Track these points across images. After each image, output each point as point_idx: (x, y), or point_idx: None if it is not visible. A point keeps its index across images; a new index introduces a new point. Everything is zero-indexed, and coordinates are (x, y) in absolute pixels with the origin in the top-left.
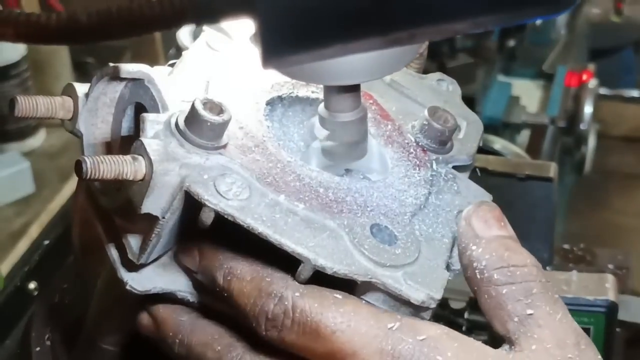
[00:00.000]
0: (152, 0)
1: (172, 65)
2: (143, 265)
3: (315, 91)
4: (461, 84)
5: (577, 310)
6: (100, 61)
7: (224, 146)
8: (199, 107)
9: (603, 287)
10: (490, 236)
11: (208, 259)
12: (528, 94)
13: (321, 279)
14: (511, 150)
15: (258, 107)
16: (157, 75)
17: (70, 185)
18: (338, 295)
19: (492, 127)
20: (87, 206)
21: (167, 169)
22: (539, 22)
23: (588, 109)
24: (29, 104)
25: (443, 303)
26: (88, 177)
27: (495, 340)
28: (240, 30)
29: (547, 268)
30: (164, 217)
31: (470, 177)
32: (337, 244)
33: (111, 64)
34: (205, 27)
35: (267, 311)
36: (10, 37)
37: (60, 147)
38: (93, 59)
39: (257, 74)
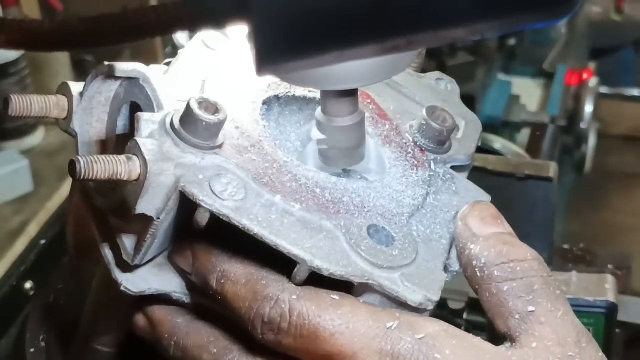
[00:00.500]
0: (146, 6)
1: (167, 63)
2: (138, 266)
3: (312, 90)
4: (461, 82)
5: (577, 311)
6: (99, 59)
7: (220, 146)
8: (195, 106)
9: (603, 288)
10: (488, 233)
11: (201, 260)
12: (528, 92)
13: (318, 280)
14: (511, 149)
15: (254, 106)
16: (153, 74)
17: (69, 184)
18: (335, 296)
19: (492, 126)
20: (82, 206)
21: (162, 169)
22: None
23: (588, 108)
24: (23, 103)
25: (442, 303)
26: (82, 177)
27: (495, 340)
28: (237, 29)
29: None
30: (158, 218)
31: (469, 177)
32: (334, 245)
33: (106, 63)
34: None
35: (263, 315)
36: (2, 44)
37: (58, 145)
38: (92, 57)
39: (254, 73)
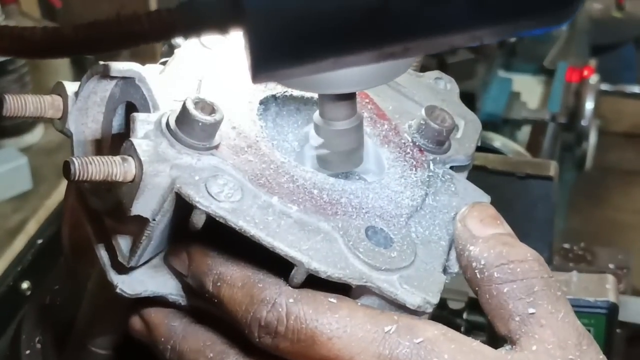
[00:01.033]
0: (140, 13)
1: (164, 63)
2: (133, 268)
3: None
4: (461, 80)
5: (578, 311)
6: (98, 57)
7: (216, 146)
8: (191, 106)
9: (603, 288)
10: (487, 234)
11: (197, 263)
12: (529, 89)
13: (315, 282)
14: (511, 148)
15: (251, 106)
16: (148, 73)
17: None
18: (333, 299)
19: (493, 123)
20: (77, 207)
21: (158, 170)
22: None
23: (589, 105)
24: (17, 103)
25: (441, 304)
26: (76, 178)
27: (494, 340)
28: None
29: None
30: (154, 219)
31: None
32: (332, 247)
33: (101, 62)
34: None
35: (260, 318)
36: None
37: (58, 143)
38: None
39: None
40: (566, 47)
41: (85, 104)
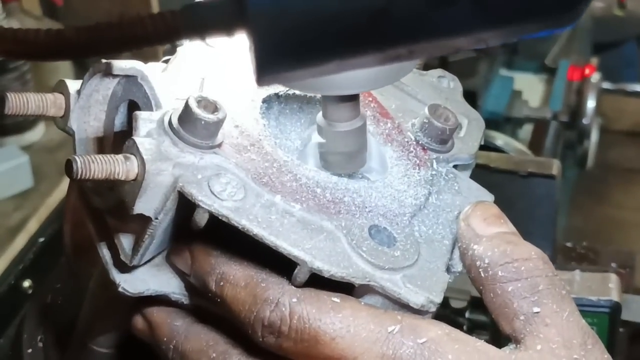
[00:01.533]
0: (143, 15)
1: (166, 61)
2: (136, 267)
3: None
4: (463, 78)
5: (581, 310)
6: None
7: (219, 145)
8: (193, 105)
9: (606, 287)
10: (491, 233)
11: (199, 262)
12: (530, 88)
13: (318, 281)
14: (513, 146)
15: (254, 104)
16: (151, 72)
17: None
18: (336, 298)
19: (494, 121)
20: (79, 206)
21: (160, 168)
22: None
23: (591, 103)
24: (19, 101)
25: (444, 302)
26: (78, 177)
27: (497, 339)
28: None
29: None
30: (157, 218)
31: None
32: (335, 246)
33: (103, 60)
34: None
35: (263, 318)
36: None
37: (59, 141)
38: None
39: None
40: (568, 45)
41: (87, 102)
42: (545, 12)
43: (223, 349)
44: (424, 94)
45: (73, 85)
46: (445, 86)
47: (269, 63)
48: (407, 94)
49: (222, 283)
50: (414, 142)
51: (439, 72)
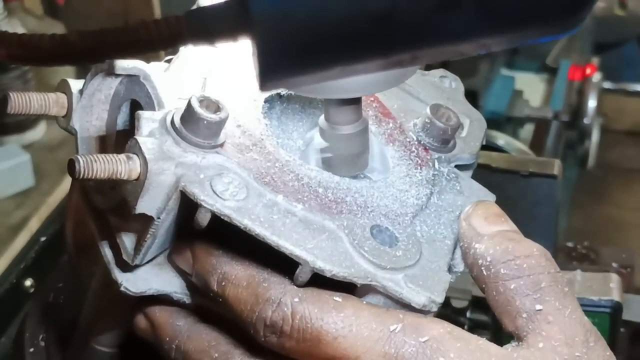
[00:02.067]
0: (147, 20)
1: (168, 61)
2: (138, 266)
3: None
4: (464, 77)
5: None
6: None
7: (221, 145)
8: (196, 104)
9: (607, 287)
10: (492, 232)
11: (201, 262)
12: (531, 87)
13: (320, 280)
14: (514, 146)
15: (256, 104)
16: (153, 71)
17: (70, 179)
18: (338, 298)
19: (495, 121)
20: (81, 205)
21: (163, 168)
22: None
23: (592, 103)
24: (21, 101)
25: (445, 302)
26: (81, 176)
27: (498, 338)
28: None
29: None
30: (159, 218)
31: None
32: (337, 245)
33: (106, 60)
34: None
35: (265, 318)
36: (2, 58)
37: (60, 140)
38: None
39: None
40: (569, 45)
41: (89, 102)
42: (548, 17)
43: (225, 349)
44: (426, 94)
45: (75, 84)
46: (447, 86)
47: (273, 69)
48: (409, 94)
49: (223, 283)
50: (416, 142)
51: (441, 72)
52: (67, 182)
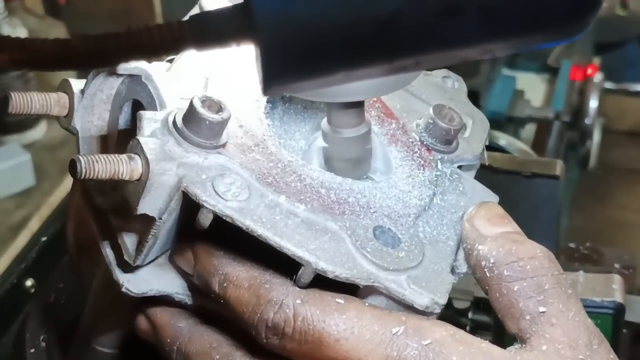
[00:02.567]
0: (150, 25)
1: (170, 61)
2: (139, 267)
3: None
4: (465, 77)
5: None
6: None
7: (223, 145)
8: (198, 104)
9: (610, 289)
10: (495, 233)
11: (203, 263)
12: (532, 87)
13: (322, 281)
14: (516, 146)
15: (258, 104)
16: (155, 71)
17: (71, 179)
18: (340, 300)
19: (496, 121)
20: (83, 205)
21: (164, 168)
22: None
23: (593, 103)
24: (23, 101)
25: (447, 303)
26: (82, 176)
27: (501, 340)
28: None
29: None
30: (160, 218)
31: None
32: (339, 246)
33: (109, 65)
34: None
35: (267, 319)
36: (4, 63)
37: (61, 139)
38: None
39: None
40: (570, 45)
41: (91, 102)
42: (552, 23)
43: (227, 351)
44: (429, 94)
45: (77, 84)
46: (449, 86)
47: (276, 74)
48: (411, 94)
49: (225, 284)
50: (419, 143)
51: (443, 72)
52: (68, 181)
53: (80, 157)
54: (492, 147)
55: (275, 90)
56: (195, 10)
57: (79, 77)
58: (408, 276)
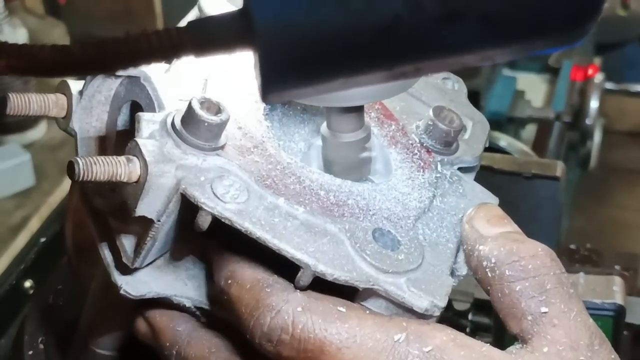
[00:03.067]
0: (149, 31)
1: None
2: (138, 269)
3: None
4: (465, 78)
5: None
6: None
7: (222, 147)
8: (196, 106)
9: (611, 290)
10: (495, 233)
11: (215, 258)
12: (533, 88)
13: (321, 283)
14: (517, 147)
15: (258, 106)
16: (154, 72)
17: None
18: (342, 308)
19: (497, 121)
20: (81, 207)
21: (163, 170)
22: None
23: (594, 104)
24: (21, 102)
25: (447, 305)
26: (81, 178)
27: (501, 341)
28: None
29: None
30: (159, 220)
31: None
32: (338, 249)
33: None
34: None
35: (263, 324)
36: (2, 70)
37: (60, 140)
38: None
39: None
40: None
41: (89, 103)
42: (553, 30)
43: (225, 356)
44: (429, 96)
45: (75, 85)
46: (449, 88)
47: (275, 80)
48: (411, 96)
49: (230, 281)
50: (419, 145)
51: (443, 73)
52: (67, 182)
53: (78, 159)
54: (492, 148)
55: (274, 97)
56: (194, 11)
57: (78, 78)
58: (407, 279)
